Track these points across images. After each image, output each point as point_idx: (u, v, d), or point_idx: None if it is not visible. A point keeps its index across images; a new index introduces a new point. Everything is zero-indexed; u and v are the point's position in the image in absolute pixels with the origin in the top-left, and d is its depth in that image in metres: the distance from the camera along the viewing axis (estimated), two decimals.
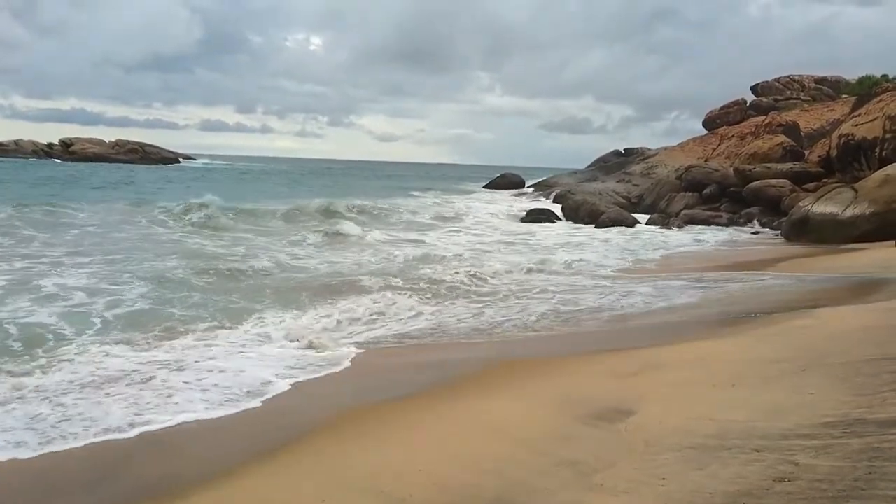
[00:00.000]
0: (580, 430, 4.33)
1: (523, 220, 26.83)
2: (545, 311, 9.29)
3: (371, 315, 9.05)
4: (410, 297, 10.14)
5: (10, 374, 6.19)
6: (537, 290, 11.09)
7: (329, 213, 23.34)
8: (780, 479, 3.12)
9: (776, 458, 3.38)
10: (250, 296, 10.03)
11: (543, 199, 35.87)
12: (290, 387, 6.04)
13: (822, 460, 3.25)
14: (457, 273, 12.14)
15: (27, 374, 6.21)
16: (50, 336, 7.50)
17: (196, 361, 6.70)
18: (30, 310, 8.56)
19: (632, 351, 6.47)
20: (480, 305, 9.86)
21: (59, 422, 5.08)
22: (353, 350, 7.23)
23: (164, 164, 76.45)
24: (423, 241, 18.65)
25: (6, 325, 7.78)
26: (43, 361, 6.56)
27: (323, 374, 6.44)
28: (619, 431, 4.19)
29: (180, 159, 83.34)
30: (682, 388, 5.05)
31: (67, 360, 6.63)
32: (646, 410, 4.50)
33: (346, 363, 6.77)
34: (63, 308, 8.72)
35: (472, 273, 12.19)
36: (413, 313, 9.24)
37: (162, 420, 5.13)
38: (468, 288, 11.10)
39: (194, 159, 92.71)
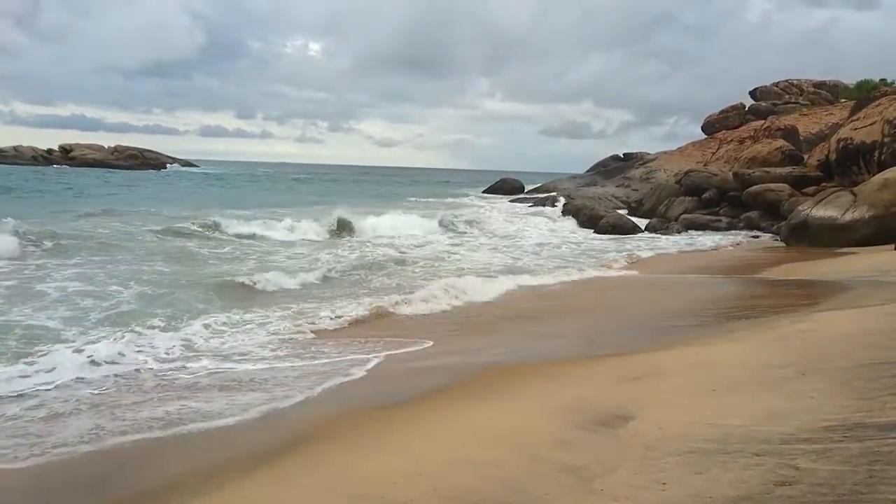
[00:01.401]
0: (580, 435, 4.33)
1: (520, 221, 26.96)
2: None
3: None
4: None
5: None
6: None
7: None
8: (781, 483, 3.12)
9: (777, 463, 3.38)
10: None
11: (542, 204, 35.91)
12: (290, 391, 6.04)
13: (823, 464, 3.26)
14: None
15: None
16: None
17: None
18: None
19: (632, 356, 6.47)
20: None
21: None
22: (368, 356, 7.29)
23: (158, 169, 76.53)
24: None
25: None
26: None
27: (334, 381, 6.44)
28: (620, 436, 4.19)
29: (167, 165, 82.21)
30: (682, 392, 5.05)
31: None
32: (646, 415, 4.50)
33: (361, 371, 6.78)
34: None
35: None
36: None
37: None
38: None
39: (196, 166, 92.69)
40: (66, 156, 72.94)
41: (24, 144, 73.82)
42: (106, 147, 78.30)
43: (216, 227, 18.92)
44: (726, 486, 3.21)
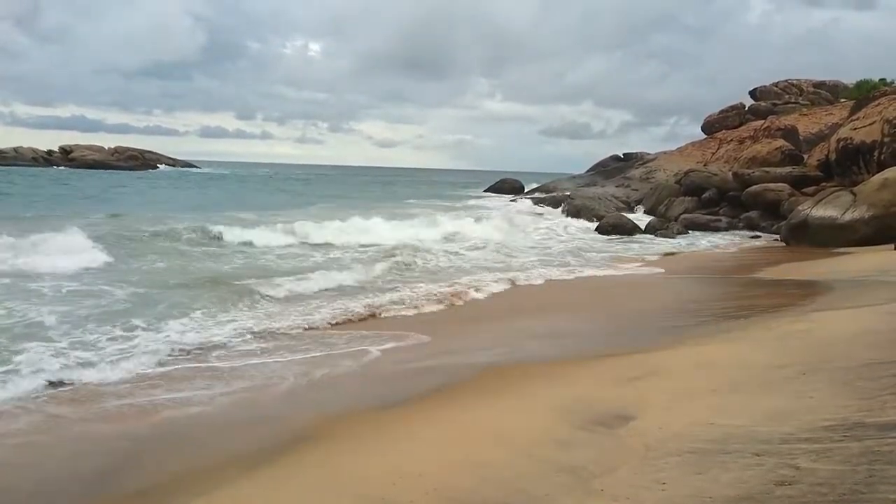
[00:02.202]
0: (580, 435, 4.33)
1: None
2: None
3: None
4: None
5: None
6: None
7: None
8: (781, 483, 3.12)
9: (777, 462, 3.38)
10: None
11: (543, 204, 35.88)
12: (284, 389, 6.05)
13: (823, 464, 3.25)
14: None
15: None
16: None
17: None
18: None
19: (632, 356, 6.47)
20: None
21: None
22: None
23: (154, 168, 75.99)
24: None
25: None
26: None
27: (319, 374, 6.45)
28: (620, 437, 4.19)
29: (158, 165, 79.96)
30: (682, 393, 5.05)
31: None
32: (646, 415, 4.50)
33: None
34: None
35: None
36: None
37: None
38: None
39: (196, 167, 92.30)
40: (66, 157, 72.92)
41: (25, 146, 73.77)
42: (106, 148, 78.27)
43: (237, 231, 18.26)
44: (726, 486, 3.21)
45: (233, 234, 18.00)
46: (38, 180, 46.14)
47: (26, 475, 4.38)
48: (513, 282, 12.36)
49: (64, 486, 4.25)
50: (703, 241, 21.31)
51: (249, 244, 17.16)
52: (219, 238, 17.71)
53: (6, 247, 13.19)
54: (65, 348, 7.10)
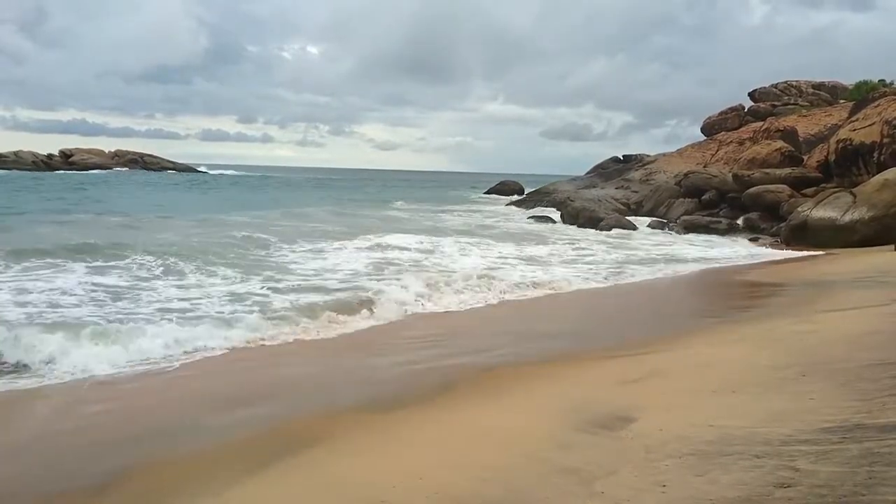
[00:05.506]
0: (581, 437, 4.33)
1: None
2: None
3: None
4: None
5: None
6: None
7: None
8: (781, 485, 3.12)
9: (776, 464, 3.38)
10: None
11: (542, 205, 35.94)
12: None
13: (823, 466, 3.26)
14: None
15: None
16: None
17: None
18: None
19: (632, 357, 6.48)
20: None
21: None
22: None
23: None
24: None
25: None
26: None
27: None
28: (620, 438, 4.19)
29: (116, 168, 75.33)
30: (682, 394, 5.05)
31: None
32: (646, 417, 4.50)
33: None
34: None
35: None
36: None
37: None
38: None
39: (200, 171, 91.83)
40: (67, 161, 72.99)
41: (26, 150, 73.78)
42: (107, 152, 78.41)
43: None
44: (726, 487, 3.21)
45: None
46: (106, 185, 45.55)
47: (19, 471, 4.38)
48: (511, 283, 12.34)
49: (62, 483, 4.24)
50: (702, 242, 21.29)
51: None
52: None
53: None
54: None
